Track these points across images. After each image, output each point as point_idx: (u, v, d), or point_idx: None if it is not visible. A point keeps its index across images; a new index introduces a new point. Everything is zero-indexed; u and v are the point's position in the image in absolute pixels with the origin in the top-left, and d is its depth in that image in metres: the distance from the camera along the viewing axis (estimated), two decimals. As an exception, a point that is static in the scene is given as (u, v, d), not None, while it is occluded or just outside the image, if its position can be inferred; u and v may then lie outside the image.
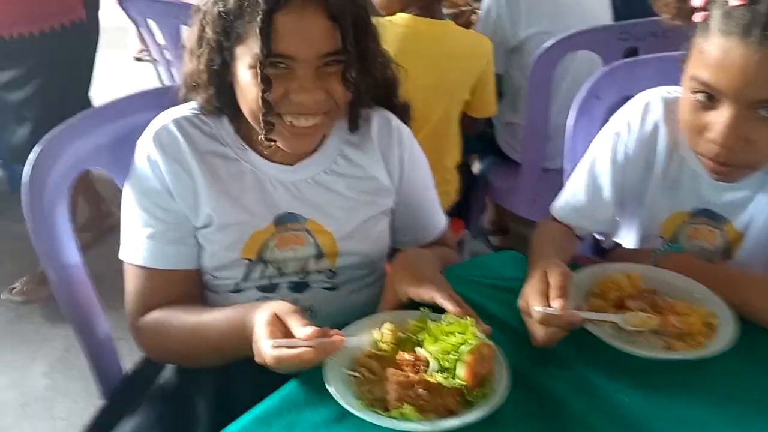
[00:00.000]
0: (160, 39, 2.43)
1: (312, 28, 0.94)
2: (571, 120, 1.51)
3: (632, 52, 1.92)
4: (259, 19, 0.91)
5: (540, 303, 0.94)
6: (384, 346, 0.92)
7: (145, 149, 1.06)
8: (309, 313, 1.14)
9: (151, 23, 2.41)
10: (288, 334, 0.88)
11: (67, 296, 1.16)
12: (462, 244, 2.17)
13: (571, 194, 1.28)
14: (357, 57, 0.98)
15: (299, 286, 1.13)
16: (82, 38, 2.23)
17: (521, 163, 2.20)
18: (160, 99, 1.11)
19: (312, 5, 0.94)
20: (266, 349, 0.86)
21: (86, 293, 1.19)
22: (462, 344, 0.87)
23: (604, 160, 1.22)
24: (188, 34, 1.04)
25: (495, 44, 2.05)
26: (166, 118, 1.08)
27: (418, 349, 0.91)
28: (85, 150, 1.16)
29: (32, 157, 1.08)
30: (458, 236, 2.13)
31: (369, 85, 1.06)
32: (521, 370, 0.93)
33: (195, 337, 1.03)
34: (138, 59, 4.61)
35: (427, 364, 0.88)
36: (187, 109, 1.09)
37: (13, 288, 2.47)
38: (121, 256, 1.09)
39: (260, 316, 0.90)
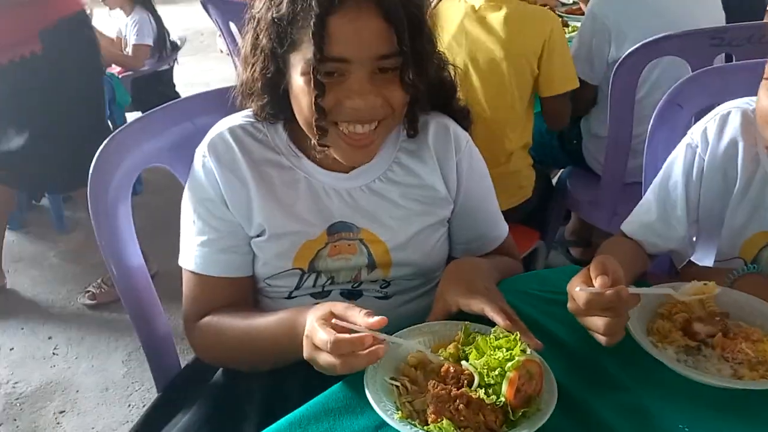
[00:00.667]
0: (240, 39, 2.51)
1: (366, 29, 0.93)
2: (650, 129, 1.44)
3: (728, 60, 1.81)
4: (312, 23, 0.91)
5: (583, 286, 0.89)
6: (428, 357, 0.90)
7: (201, 158, 1.08)
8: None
9: (231, 25, 2.49)
10: (343, 331, 0.84)
11: (129, 293, 1.20)
12: (535, 254, 2.09)
13: (644, 209, 1.21)
14: (413, 58, 0.96)
15: (352, 294, 1.12)
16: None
17: (603, 175, 2.11)
18: (223, 99, 1.13)
19: (366, 6, 0.92)
20: (320, 334, 0.82)
21: (147, 291, 1.22)
22: (508, 360, 0.84)
23: (678, 174, 1.15)
24: (243, 42, 1.05)
25: (595, 52, 1.97)
26: (222, 126, 1.09)
27: (464, 363, 0.88)
28: (148, 150, 1.20)
29: (97, 154, 1.12)
30: (532, 246, 2.06)
31: (425, 88, 1.03)
32: (572, 391, 0.88)
33: (246, 340, 1.04)
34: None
35: (471, 378, 0.85)
36: (242, 116, 1.10)
37: (87, 291, 2.55)
38: (180, 261, 1.12)
39: (313, 313, 0.89)
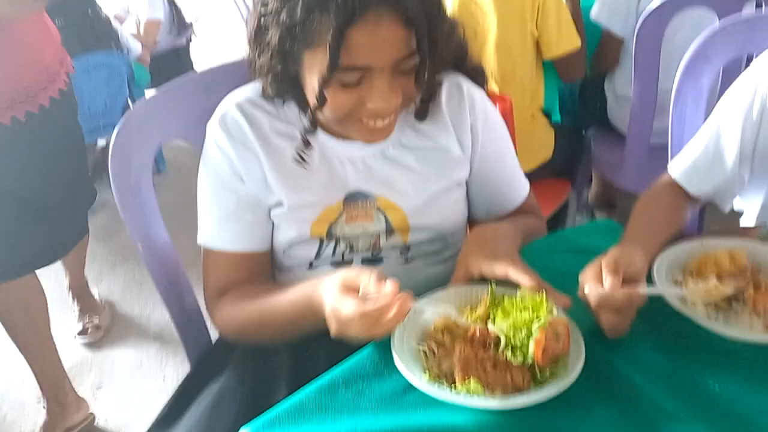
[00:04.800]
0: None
1: (387, 37, 0.90)
2: (677, 83, 1.40)
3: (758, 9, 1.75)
4: (329, 35, 0.88)
5: (593, 285, 0.89)
6: (454, 321, 0.90)
7: (213, 134, 1.07)
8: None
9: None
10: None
11: (157, 269, 1.21)
12: (566, 209, 2.07)
13: (692, 149, 1.17)
14: (431, 52, 0.94)
15: (372, 262, 1.12)
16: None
17: (628, 136, 2.07)
18: (241, 71, 1.12)
19: (387, 15, 0.89)
20: (345, 308, 0.83)
21: (175, 267, 1.23)
22: (534, 321, 0.83)
23: (735, 112, 1.11)
24: (249, 20, 1.01)
25: (624, 3, 1.91)
26: (231, 100, 1.08)
27: (490, 325, 0.88)
28: (167, 124, 1.20)
29: (116, 131, 1.12)
30: (563, 200, 2.03)
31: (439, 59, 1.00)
32: (598, 351, 0.88)
33: (265, 318, 1.04)
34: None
35: (498, 340, 0.85)
36: (252, 89, 1.09)
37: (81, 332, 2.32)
38: (198, 239, 1.10)
39: (329, 286, 0.89)
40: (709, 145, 1.15)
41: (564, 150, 2.07)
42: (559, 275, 0.98)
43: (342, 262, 1.12)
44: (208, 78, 1.23)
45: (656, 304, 0.93)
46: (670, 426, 0.79)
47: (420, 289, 0.96)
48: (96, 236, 2.90)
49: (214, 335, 1.27)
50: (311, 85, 0.97)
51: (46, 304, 1.88)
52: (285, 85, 1.03)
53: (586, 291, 0.89)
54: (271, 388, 1.02)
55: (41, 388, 1.92)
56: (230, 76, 1.19)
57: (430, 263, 1.15)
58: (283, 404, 0.83)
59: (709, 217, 1.58)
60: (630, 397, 0.83)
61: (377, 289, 0.84)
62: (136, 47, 3.18)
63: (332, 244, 1.10)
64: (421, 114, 1.08)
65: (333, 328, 0.88)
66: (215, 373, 1.09)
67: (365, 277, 0.86)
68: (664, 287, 0.94)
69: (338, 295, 0.86)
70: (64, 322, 2.31)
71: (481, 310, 0.91)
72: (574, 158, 2.17)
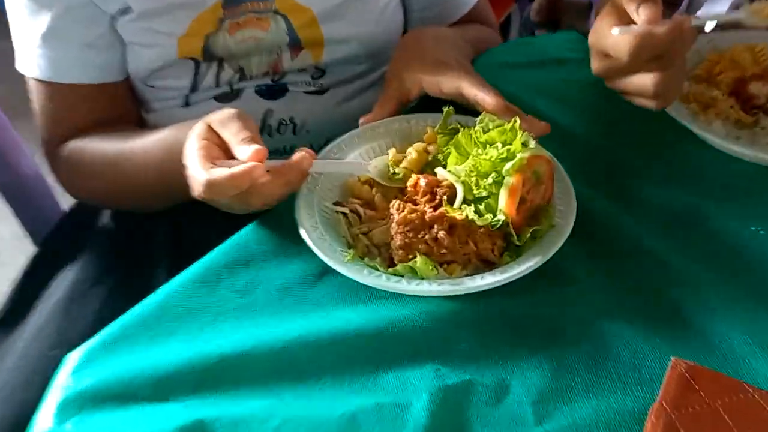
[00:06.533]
0: None
1: None
2: None
3: None
4: None
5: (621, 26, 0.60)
6: (389, 169, 0.62)
7: None
8: (290, 128, 0.83)
9: None
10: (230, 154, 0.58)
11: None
12: (508, 25, 1.77)
13: None
14: None
15: (272, 91, 0.81)
16: None
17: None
18: None
19: None
20: (196, 171, 0.56)
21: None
22: (505, 159, 0.56)
23: None
24: None
25: None
26: None
27: (439, 171, 0.60)
28: None
29: None
30: (504, 13, 1.73)
31: None
32: (586, 198, 0.62)
33: (117, 169, 0.75)
34: None
35: (453, 192, 0.58)
36: None
37: None
38: (18, 66, 0.78)
39: (193, 131, 0.60)
40: None
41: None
42: (530, 92, 0.71)
43: (230, 94, 0.81)
44: None
45: (658, 124, 0.69)
46: (680, 292, 0.56)
47: (340, 126, 0.70)
48: None
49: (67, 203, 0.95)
50: None
51: None
52: None
53: (617, 33, 0.59)
54: (144, 279, 0.74)
55: None
56: None
57: (353, 92, 0.85)
58: (131, 314, 0.55)
59: None
60: (633, 252, 0.59)
61: (239, 150, 0.57)
62: None
63: (213, 67, 0.79)
64: None
65: (191, 192, 0.59)
66: (68, 256, 0.81)
67: (233, 129, 0.58)
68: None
69: (191, 152, 0.58)
70: None
71: (422, 150, 0.63)
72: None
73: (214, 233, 0.64)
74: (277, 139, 0.83)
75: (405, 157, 0.63)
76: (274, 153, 0.85)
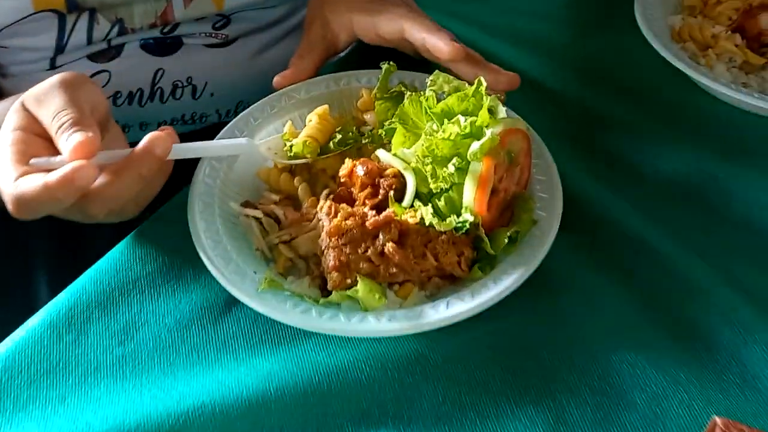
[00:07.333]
0: None
1: None
2: None
3: None
4: None
5: None
6: (310, 150, 0.47)
7: None
8: (188, 90, 0.65)
9: None
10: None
11: None
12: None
13: None
14: None
15: (162, 46, 0.63)
16: None
17: None
18: None
19: None
20: (2, 182, 0.40)
21: None
22: (467, 135, 0.41)
23: None
24: None
25: None
26: None
27: (380, 153, 0.45)
28: None
29: None
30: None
31: None
32: (573, 170, 0.49)
33: None
34: None
35: (402, 183, 0.43)
36: None
37: None
38: None
39: (7, 118, 0.43)
40: None
41: None
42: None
43: (107, 51, 0.63)
44: None
45: (648, 73, 0.58)
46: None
47: (249, 87, 0.60)
48: None
49: None
50: None
51: None
52: None
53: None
54: (25, 288, 0.62)
55: None
56: None
57: (265, 44, 0.68)
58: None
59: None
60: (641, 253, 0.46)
61: (59, 141, 0.40)
62: None
63: (83, 20, 0.60)
64: None
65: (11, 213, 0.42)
66: None
67: (49, 109, 0.41)
68: None
69: (10, 140, 0.41)
70: None
71: (326, 113, 0.48)
72: None
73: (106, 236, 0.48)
74: (172, 106, 0.65)
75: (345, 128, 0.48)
76: (170, 124, 0.69)
